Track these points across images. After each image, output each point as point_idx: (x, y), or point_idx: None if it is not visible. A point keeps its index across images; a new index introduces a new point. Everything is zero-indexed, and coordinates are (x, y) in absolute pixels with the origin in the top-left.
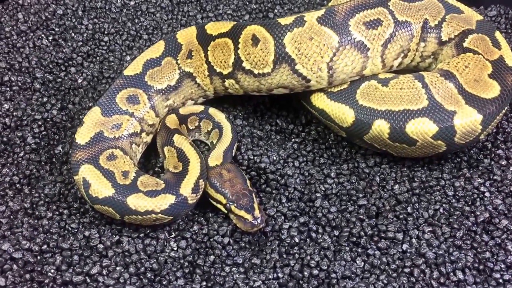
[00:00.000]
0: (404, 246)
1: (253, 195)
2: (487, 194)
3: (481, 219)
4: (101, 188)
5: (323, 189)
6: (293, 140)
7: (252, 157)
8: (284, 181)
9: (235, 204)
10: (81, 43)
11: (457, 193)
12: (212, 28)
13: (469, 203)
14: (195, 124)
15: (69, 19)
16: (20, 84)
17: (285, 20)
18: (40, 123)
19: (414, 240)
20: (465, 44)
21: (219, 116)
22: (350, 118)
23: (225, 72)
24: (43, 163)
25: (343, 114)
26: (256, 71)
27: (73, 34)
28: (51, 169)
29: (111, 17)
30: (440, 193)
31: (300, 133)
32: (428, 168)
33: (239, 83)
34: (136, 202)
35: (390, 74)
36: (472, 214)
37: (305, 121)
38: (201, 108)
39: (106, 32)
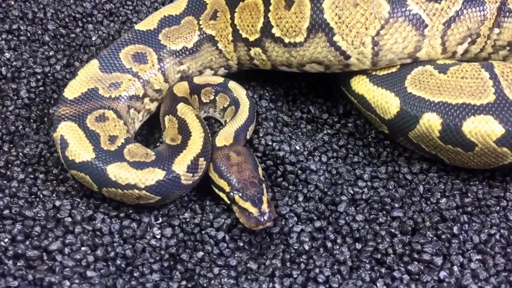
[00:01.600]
0: (442, 274)
1: (264, 185)
2: None
3: None
4: (80, 151)
5: (352, 192)
6: (325, 131)
7: (270, 143)
8: (304, 176)
9: (240, 194)
10: None
11: None
12: None
13: None
14: (209, 97)
15: None
16: (29, 35)
17: None
18: (39, 77)
19: (456, 268)
20: None
21: (238, 91)
22: (394, 108)
23: (252, 39)
24: (31, 120)
25: (387, 103)
26: (286, 40)
27: None
28: (38, 128)
29: None
30: (499, 216)
31: (334, 124)
32: (487, 184)
33: (267, 53)
34: (117, 172)
35: (451, 61)
36: None
37: (343, 111)
38: (220, 80)
39: None
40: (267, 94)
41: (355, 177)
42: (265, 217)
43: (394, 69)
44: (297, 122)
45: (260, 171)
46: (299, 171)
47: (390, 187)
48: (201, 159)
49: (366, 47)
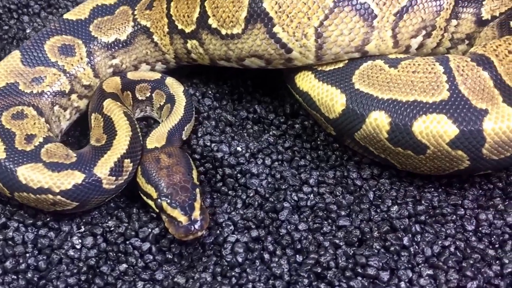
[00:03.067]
0: None
1: (197, 190)
2: None
3: (509, 269)
4: None
5: (296, 198)
6: (271, 132)
7: (208, 144)
8: (244, 180)
9: (168, 200)
10: None
11: (480, 228)
12: None
13: (496, 245)
14: (145, 94)
15: None
16: None
17: None
18: None
19: (403, 285)
20: None
21: (175, 88)
22: (340, 106)
23: (188, 30)
24: None
25: (332, 100)
26: (223, 31)
27: None
28: None
29: None
30: (455, 226)
31: (281, 125)
32: (444, 191)
33: (204, 46)
34: (28, 174)
35: (403, 55)
36: (497, 262)
37: (290, 111)
38: (157, 75)
39: None
40: (210, 92)
41: (300, 182)
42: (196, 226)
43: (341, 64)
44: (243, 122)
45: (195, 175)
46: (238, 175)
47: (338, 193)
48: (127, 160)
49: (309, 39)
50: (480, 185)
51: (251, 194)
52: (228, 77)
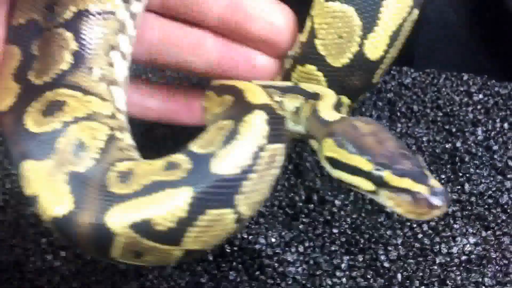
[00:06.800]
0: None
1: (420, 159)
2: None
3: None
4: None
5: (330, 283)
6: (300, 219)
7: (246, 236)
8: (282, 269)
9: (391, 170)
10: None
11: None
12: None
13: None
14: None
15: None
16: None
17: None
18: None
19: None
20: None
21: None
22: None
23: None
24: None
25: None
26: None
27: None
28: None
29: None
30: None
31: (310, 212)
32: (465, 269)
33: None
34: None
35: None
36: None
37: (317, 197)
38: None
39: None
40: None
41: (333, 267)
42: (440, 200)
43: None
44: (274, 211)
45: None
46: (276, 264)
47: (369, 276)
48: None
49: None
50: (497, 261)
51: (290, 282)
52: None
